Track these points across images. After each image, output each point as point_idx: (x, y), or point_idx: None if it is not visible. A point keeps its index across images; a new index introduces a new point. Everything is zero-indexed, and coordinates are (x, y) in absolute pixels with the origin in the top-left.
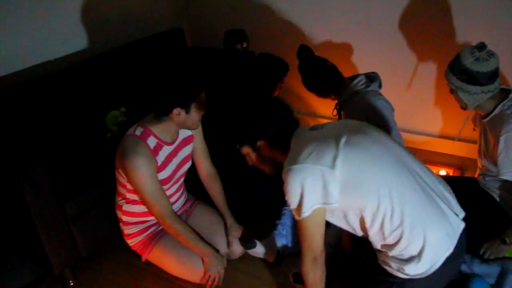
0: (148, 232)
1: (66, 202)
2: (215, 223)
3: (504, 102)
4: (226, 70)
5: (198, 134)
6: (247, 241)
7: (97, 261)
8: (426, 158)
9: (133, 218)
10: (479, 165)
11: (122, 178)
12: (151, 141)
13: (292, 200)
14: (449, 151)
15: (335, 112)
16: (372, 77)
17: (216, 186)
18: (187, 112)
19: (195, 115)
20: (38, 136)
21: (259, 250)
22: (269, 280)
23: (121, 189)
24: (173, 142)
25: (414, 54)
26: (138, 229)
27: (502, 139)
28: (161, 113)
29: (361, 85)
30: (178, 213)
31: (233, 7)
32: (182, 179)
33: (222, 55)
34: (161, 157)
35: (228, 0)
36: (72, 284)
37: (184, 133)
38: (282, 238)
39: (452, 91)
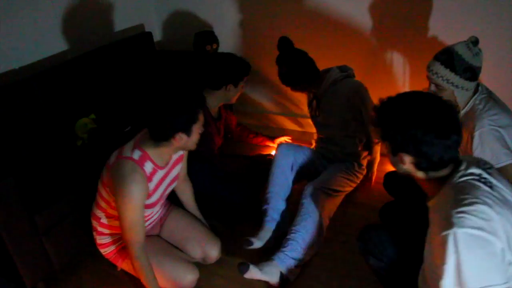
0: (121, 241)
1: (36, 214)
2: (189, 229)
3: (475, 96)
4: (194, 72)
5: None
6: (240, 264)
7: (72, 272)
8: None
9: (109, 230)
10: None
11: (107, 196)
12: (148, 167)
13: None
14: None
15: (313, 105)
16: (343, 69)
17: (188, 188)
18: (189, 135)
19: (195, 137)
20: (4, 147)
21: (253, 271)
22: (247, 283)
23: (103, 203)
24: (166, 165)
25: (389, 51)
26: (112, 239)
27: (476, 135)
28: (162, 139)
29: (337, 74)
30: (154, 222)
31: (202, 8)
32: (165, 199)
33: (192, 58)
34: (154, 182)
35: (197, 1)
36: None
37: (175, 156)
38: (274, 223)
39: (439, 91)
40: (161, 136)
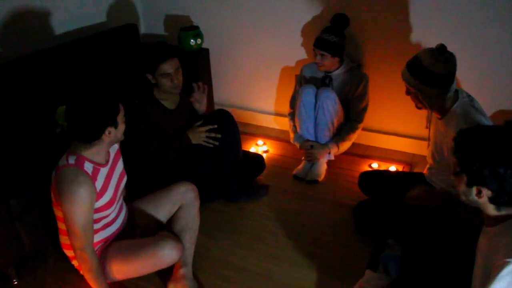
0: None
1: (12, 198)
2: (156, 196)
3: (456, 104)
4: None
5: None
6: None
7: (43, 259)
8: (378, 154)
9: None
10: (429, 162)
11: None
12: (88, 167)
13: None
14: (400, 148)
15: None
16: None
17: None
18: (116, 127)
19: (122, 126)
20: None
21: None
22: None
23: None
24: (107, 163)
25: (369, 54)
26: None
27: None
28: (93, 138)
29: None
30: (121, 229)
31: (188, 3)
32: (122, 197)
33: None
34: (99, 181)
35: None
36: (16, 283)
37: (113, 151)
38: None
39: (409, 93)
40: (92, 136)
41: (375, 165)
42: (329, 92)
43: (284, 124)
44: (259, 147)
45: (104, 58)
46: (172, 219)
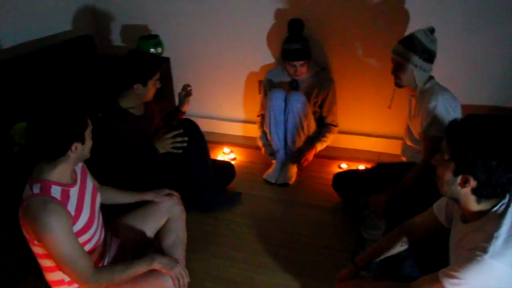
0: None
1: None
2: (141, 211)
3: (432, 80)
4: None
5: None
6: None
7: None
8: (346, 155)
9: None
10: (405, 137)
11: (41, 249)
12: (55, 191)
13: None
14: (367, 148)
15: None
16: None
17: (109, 192)
18: (83, 142)
19: (89, 143)
20: None
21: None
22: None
23: (48, 262)
24: (75, 182)
25: (332, 57)
26: None
27: (430, 106)
28: (59, 155)
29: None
30: (101, 240)
31: (147, 12)
32: (100, 215)
33: None
34: (72, 203)
35: (139, 4)
36: None
37: (78, 169)
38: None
39: (401, 70)
40: (57, 153)
41: (344, 166)
42: (299, 95)
43: (249, 130)
44: (226, 155)
45: (60, 70)
46: (160, 233)
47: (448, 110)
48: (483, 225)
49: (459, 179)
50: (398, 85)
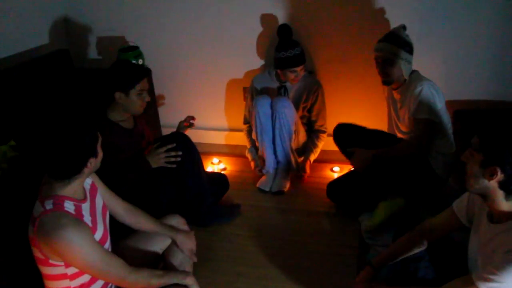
0: None
1: None
2: (145, 242)
3: (415, 71)
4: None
5: (96, 180)
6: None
7: None
8: (338, 157)
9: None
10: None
11: (56, 268)
12: (69, 206)
13: None
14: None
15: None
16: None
17: (144, 218)
18: (96, 156)
19: (100, 154)
20: None
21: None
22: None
23: (61, 283)
24: (85, 198)
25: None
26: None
27: (416, 91)
28: (76, 172)
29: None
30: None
31: (122, 22)
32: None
33: None
34: (86, 218)
35: (115, 15)
36: None
37: (86, 186)
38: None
39: (390, 66)
40: (73, 171)
41: (336, 169)
42: (284, 101)
43: (236, 139)
44: (215, 165)
45: (36, 87)
46: (167, 253)
47: (433, 93)
48: None
49: (486, 171)
50: (387, 82)
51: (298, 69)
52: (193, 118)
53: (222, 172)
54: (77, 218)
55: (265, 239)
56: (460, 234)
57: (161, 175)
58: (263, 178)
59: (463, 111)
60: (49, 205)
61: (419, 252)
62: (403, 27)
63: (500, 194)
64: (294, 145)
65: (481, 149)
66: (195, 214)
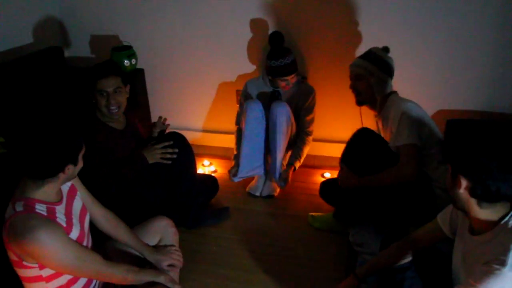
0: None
1: None
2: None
3: (394, 94)
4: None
5: (77, 183)
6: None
7: None
8: (329, 163)
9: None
10: None
11: (30, 270)
12: (41, 208)
13: None
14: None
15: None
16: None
17: (121, 228)
18: (75, 164)
19: (80, 164)
20: None
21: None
22: None
23: (37, 285)
24: (60, 201)
25: (312, 66)
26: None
27: (393, 116)
28: (49, 175)
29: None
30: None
31: (116, 22)
32: (90, 236)
33: None
34: (60, 218)
35: (109, 14)
36: None
37: (65, 188)
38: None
39: (358, 82)
40: (49, 173)
41: (327, 174)
42: (283, 105)
43: (228, 141)
44: (206, 167)
45: (27, 84)
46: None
47: (411, 116)
48: (495, 237)
49: (455, 182)
50: (359, 102)
51: (288, 78)
52: (165, 119)
53: (213, 174)
54: (48, 218)
55: (253, 243)
56: (447, 245)
57: (153, 176)
58: (253, 182)
59: (456, 121)
60: (19, 207)
61: (405, 262)
62: (384, 49)
63: (473, 202)
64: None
65: (446, 160)
66: (185, 215)
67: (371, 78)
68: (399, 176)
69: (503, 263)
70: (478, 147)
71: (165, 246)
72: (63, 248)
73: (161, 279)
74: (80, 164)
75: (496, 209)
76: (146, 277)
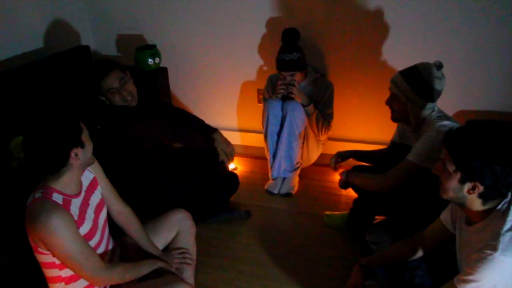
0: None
1: None
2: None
3: (432, 114)
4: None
5: (100, 175)
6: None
7: None
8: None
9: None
10: None
11: (46, 256)
12: (57, 197)
13: None
14: None
15: None
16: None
17: (134, 226)
18: (83, 147)
19: (89, 146)
20: None
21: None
22: None
23: (52, 272)
24: (79, 193)
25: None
26: None
27: (423, 137)
28: (61, 165)
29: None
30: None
31: (142, 21)
32: (107, 229)
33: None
34: (74, 211)
35: (138, 15)
36: None
37: (86, 180)
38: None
39: (393, 101)
40: (57, 163)
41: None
42: (295, 104)
43: (248, 139)
44: None
45: (57, 82)
46: (170, 247)
47: (437, 141)
48: (488, 225)
49: (466, 186)
50: (394, 118)
51: (286, 74)
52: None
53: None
54: (63, 208)
55: (269, 240)
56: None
57: (179, 170)
58: (271, 180)
59: (476, 121)
60: (38, 194)
61: (414, 261)
62: (437, 65)
63: (478, 202)
64: (304, 160)
65: (458, 168)
66: (204, 208)
67: (408, 104)
68: (378, 184)
69: (494, 248)
70: (493, 154)
71: (172, 250)
72: (70, 239)
73: (158, 265)
74: (89, 146)
75: (495, 201)
76: (143, 269)
